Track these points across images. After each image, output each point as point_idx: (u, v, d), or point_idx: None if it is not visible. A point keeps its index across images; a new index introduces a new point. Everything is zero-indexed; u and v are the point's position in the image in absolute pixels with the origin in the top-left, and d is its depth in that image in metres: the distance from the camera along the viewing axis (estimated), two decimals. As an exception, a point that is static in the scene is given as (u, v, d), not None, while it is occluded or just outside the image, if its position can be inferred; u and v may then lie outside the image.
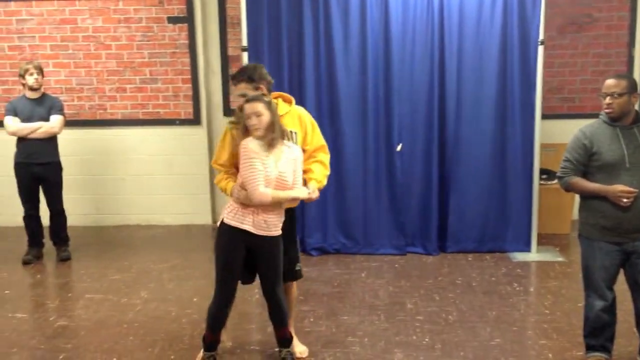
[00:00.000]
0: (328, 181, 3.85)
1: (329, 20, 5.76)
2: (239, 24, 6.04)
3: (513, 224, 5.95)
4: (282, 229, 3.71)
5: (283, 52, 5.82)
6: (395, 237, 5.98)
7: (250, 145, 3.51)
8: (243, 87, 3.69)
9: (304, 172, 3.73)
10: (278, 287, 3.75)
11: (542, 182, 6.18)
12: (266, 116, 3.53)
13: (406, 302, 4.89)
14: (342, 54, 5.79)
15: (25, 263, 5.88)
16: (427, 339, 4.24)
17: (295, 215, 3.93)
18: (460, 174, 5.92)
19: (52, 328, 4.52)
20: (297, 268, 4.00)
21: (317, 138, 3.85)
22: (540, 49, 5.62)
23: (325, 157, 3.88)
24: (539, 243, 5.98)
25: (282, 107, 3.77)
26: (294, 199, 3.62)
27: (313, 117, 3.93)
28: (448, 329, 4.40)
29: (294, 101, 3.88)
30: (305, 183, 3.71)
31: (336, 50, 5.78)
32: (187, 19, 6.75)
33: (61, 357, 4.14)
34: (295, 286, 4.11)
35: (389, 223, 5.97)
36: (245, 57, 5.66)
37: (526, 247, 5.92)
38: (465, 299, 4.93)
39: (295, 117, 3.79)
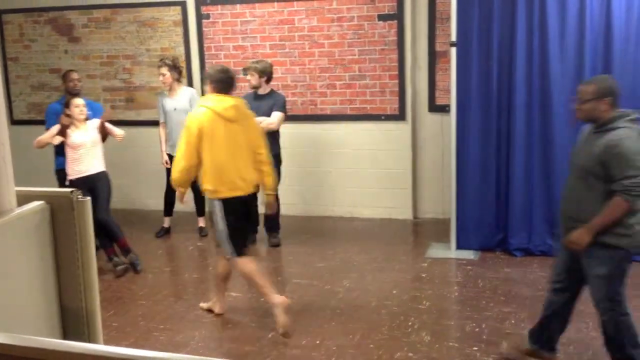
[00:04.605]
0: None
1: (544, 16, 5.49)
2: (448, 19, 6.01)
3: None
4: None
5: (493, 47, 5.68)
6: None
7: None
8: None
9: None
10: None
11: None
12: None
13: (619, 312, 4.54)
14: (557, 51, 5.49)
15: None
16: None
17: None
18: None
19: (263, 308, 4.86)
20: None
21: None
22: None
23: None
24: None
25: None
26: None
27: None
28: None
29: None
30: None
31: (550, 47, 5.50)
32: (397, 15, 6.84)
33: (270, 335, 4.45)
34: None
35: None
36: (453, 52, 5.63)
37: None
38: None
39: None
